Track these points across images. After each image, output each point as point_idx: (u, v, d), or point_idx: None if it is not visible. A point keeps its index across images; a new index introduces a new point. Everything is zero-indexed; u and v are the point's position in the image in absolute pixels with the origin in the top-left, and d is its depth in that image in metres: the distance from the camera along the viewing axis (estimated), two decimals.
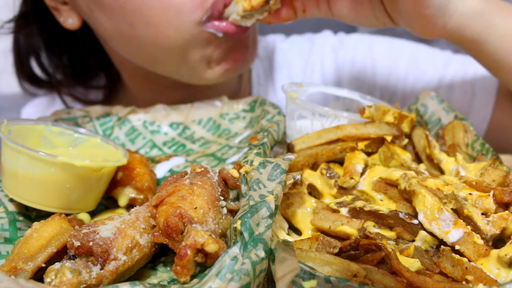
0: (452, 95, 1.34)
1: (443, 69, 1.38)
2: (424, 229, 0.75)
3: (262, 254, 0.65)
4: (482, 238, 0.72)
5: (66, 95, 1.53)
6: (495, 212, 0.76)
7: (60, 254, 0.74)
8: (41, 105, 1.66)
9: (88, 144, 0.96)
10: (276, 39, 1.57)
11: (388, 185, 0.83)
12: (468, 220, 0.74)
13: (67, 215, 0.81)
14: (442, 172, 0.91)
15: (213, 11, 1.06)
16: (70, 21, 1.25)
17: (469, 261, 0.69)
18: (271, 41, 1.56)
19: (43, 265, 0.72)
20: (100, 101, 1.52)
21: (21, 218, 0.85)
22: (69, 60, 1.48)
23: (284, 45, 1.54)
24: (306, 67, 1.49)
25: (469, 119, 1.33)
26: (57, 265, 0.68)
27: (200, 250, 0.65)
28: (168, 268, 0.77)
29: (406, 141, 0.95)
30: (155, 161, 1.09)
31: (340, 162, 0.91)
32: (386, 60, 1.43)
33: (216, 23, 1.07)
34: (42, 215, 0.84)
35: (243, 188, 0.78)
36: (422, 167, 0.90)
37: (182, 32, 1.09)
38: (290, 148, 0.93)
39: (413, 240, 0.75)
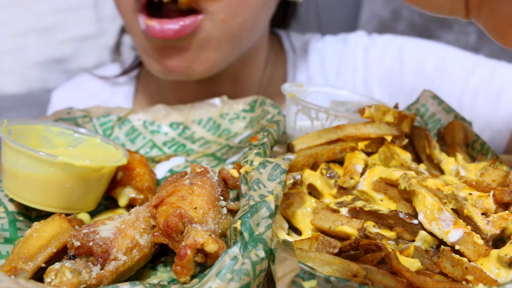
0: (476, 100, 1.33)
1: (470, 73, 1.36)
2: (424, 229, 0.75)
3: (262, 254, 0.65)
4: (482, 238, 0.72)
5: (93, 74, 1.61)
6: (495, 212, 0.76)
7: (60, 254, 0.74)
8: (72, 88, 1.69)
9: (88, 144, 0.96)
10: (312, 38, 1.59)
11: (388, 185, 0.83)
12: (468, 220, 0.74)
13: (67, 215, 0.81)
14: (442, 172, 0.91)
15: (140, 1, 1.12)
16: None
17: (469, 261, 0.69)
18: (307, 39, 1.58)
19: (43, 265, 0.72)
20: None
21: (21, 218, 0.85)
22: None
23: (319, 44, 1.56)
24: (340, 67, 1.51)
25: (492, 126, 1.32)
26: (57, 265, 0.68)
27: (200, 250, 0.65)
28: (168, 268, 0.77)
29: (406, 141, 0.95)
30: (155, 161, 1.09)
31: (340, 162, 0.91)
32: (414, 61, 1.43)
33: (143, 17, 1.11)
34: (42, 215, 0.83)
35: (243, 188, 0.78)
36: (422, 167, 0.90)
37: (123, 15, 1.19)
38: (290, 148, 0.93)
39: (413, 240, 0.75)
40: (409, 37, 1.51)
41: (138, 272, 0.75)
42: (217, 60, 1.24)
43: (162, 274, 0.76)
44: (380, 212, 0.77)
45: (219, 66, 1.26)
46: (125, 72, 1.59)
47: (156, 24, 1.12)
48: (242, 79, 1.39)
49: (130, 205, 0.90)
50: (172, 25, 1.13)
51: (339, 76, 1.50)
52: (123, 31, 1.60)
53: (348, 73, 1.50)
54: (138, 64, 1.60)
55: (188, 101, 1.27)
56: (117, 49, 1.62)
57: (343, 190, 0.86)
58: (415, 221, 0.76)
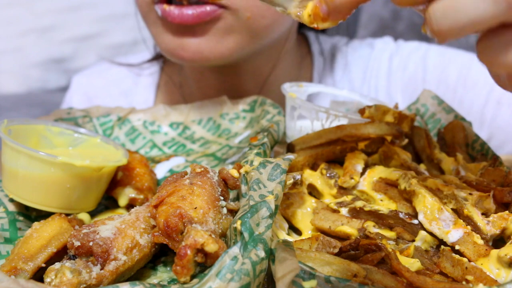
0: (499, 112, 1.31)
1: (494, 83, 1.33)
2: (424, 229, 0.74)
3: (262, 254, 0.65)
4: (482, 238, 0.72)
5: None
6: (495, 212, 0.76)
7: (60, 254, 0.74)
8: (92, 74, 1.68)
9: (88, 144, 0.96)
10: (339, 41, 1.57)
11: (388, 185, 0.83)
12: (468, 220, 0.74)
13: (67, 215, 0.82)
14: (442, 172, 0.91)
15: None
16: None
17: (469, 261, 0.69)
18: (335, 43, 1.56)
19: (43, 265, 0.72)
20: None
21: (21, 218, 0.85)
22: None
23: (347, 48, 1.54)
24: (366, 72, 1.49)
25: None
26: (57, 265, 0.68)
27: (200, 250, 0.65)
28: (168, 268, 0.77)
29: (406, 141, 0.95)
30: (155, 161, 1.09)
31: (340, 162, 0.91)
32: (437, 69, 1.40)
33: (160, 5, 1.11)
34: (42, 215, 0.83)
35: (243, 188, 0.78)
36: (422, 167, 0.90)
37: (139, 6, 1.20)
38: (290, 148, 0.93)
39: (413, 240, 0.75)
40: (434, 45, 1.48)
41: (138, 272, 0.75)
42: (237, 48, 1.18)
43: (162, 274, 0.76)
44: (380, 212, 0.77)
45: (238, 54, 1.19)
46: (152, 59, 1.56)
47: (175, 9, 1.11)
48: (265, 78, 1.37)
49: (130, 205, 0.90)
50: (191, 10, 1.11)
51: (364, 82, 1.47)
52: None
53: (372, 80, 1.47)
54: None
55: (211, 96, 1.25)
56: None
57: (343, 190, 0.86)
58: (415, 221, 0.76)
